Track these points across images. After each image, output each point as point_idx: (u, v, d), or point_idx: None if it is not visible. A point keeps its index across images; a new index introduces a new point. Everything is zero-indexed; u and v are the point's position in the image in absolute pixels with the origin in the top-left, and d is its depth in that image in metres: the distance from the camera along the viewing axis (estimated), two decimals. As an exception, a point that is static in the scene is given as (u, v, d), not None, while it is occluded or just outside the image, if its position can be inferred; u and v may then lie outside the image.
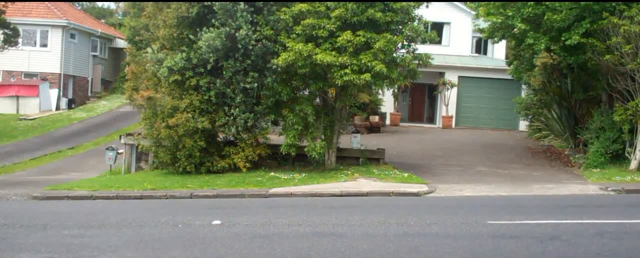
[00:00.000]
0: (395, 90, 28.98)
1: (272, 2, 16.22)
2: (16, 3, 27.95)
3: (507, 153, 21.91)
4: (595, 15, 17.04)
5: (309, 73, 15.86)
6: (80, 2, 49.26)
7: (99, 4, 56.62)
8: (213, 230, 8.96)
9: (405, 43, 16.58)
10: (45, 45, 34.68)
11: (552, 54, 19.60)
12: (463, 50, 31.89)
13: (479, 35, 28.16)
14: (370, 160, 18.00)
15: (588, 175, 16.32)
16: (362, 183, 14.78)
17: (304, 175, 15.86)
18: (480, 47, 33.73)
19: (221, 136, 17.58)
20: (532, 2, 17.58)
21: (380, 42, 15.15)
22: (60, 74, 34.66)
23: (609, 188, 14.05)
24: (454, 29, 31.86)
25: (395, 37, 15.94)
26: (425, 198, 13.21)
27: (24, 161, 24.02)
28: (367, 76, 15.08)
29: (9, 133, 29.10)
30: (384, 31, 15.67)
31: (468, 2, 31.31)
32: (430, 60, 16.80)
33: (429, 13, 18.65)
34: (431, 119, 32.46)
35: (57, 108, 34.49)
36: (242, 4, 15.78)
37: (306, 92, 17.57)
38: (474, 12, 28.80)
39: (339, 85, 15.61)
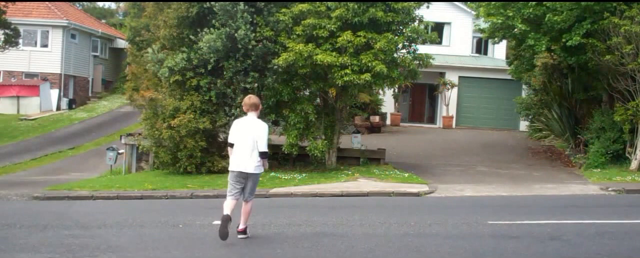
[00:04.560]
0: (396, 91, 28.99)
1: (272, 3, 16.22)
2: (17, 3, 27.95)
3: (508, 153, 21.91)
4: (596, 16, 17.03)
5: (310, 73, 15.87)
6: (81, 2, 49.27)
7: (100, 4, 56.65)
8: (214, 230, 8.94)
9: (405, 44, 16.59)
10: (45, 46, 34.68)
11: (552, 54, 19.60)
12: (463, 50, 31.89)
13: (479, 35, 28.14)
14: (371, 160, 18.00)
15: (588, 175, 16.31)
16: (363, 183, 14.78)
17: (304, 175, 15.86)
18: (481, 47, 33.72)
19: (222, 136, 17.59)
20: (533, 3, 17.56)
21: (381, 42, 15.15)
22: (60, 74, 34.67)
23: (610, 189, 14.03)
24: (454, 29, 31.85)
25: (397, 37, 15.95)
26: (425, 199, 13.21)
27: (24, 161, 24.03)
28: (367, 76, 15.09)
29: (9, 134, 29.12)
30: (385, 31, 15.67)
31: (469, 3, 31.30)
32: (430, 61, 16.81)
33: (429, 13, 18.65)
34: (432, 119, 32.45)
35: (58, 108, 34.51)
36: (242, 4, 15.78)
37: (307, 92, 17.58)
38: (474, 12, 28.80)
39: (340, 85, 15.61)
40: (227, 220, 7.70)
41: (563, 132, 21.29)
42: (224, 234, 7.68)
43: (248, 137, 7.95)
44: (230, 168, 8.08)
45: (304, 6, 15.58)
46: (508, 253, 7.39)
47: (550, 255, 7.31)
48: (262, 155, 7.97)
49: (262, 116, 16.88)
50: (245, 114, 8.26)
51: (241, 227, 8.16)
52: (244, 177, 7.98)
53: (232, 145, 8.09)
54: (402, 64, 16.30)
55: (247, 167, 7.94)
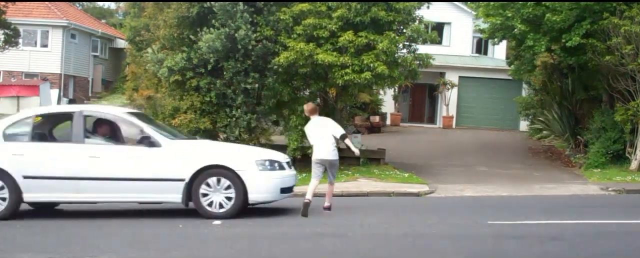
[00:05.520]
0: (396, 91, 28.99)
1: (272, 3, 16.21)
2: (17, 3, 27.91)
3: (508, 153, 21.90)
4: (595, 16, 17.01)
5: (310, 73, 15.86)
6: (81, 2, 49.22)
7: (100, 3, 56.60)
8: (213, 230, 8.95)
9: (406, 43, 16.59)
10: (45, 46, 34.64)
11: (552, 54, 19.60)
12: (464, 50, 31.87)
13: (479, 35, 28.15)
14: (371, 160, 17.96)
15: (589, 175, 16.31)
16: (363, 183, 14.77)
17: (304, 175, 15.82)
18: (481, 47, 33.71)
19: (222, 136, 17.57)
20: (532, 3, 17.54)
21: (384, 43, 15.12)
22: (60, 74, 34.64)
23: (610, 189, 14.04)
24: (454, 29, 31.84)
25: (398, 37, 15.95)
26: (425, 199, 13.21)
27: (24, 161, 23.98)
28: (367, 74, 15.08)
29: (9, 134, 29.06)
30: (386, 31, 15.65)
31: (468, 3, 31.30)
32: (431, 61, 16.81)
33: (429, 13, 18.65)
34: (432, 119, 32.45)
35: (58, 108, 34.46)
36: (241, 4, 15.77)
37: (307, 93, 17.57)
38: (474, 13, 28.81)
39: (340, 85, 15.61)
40: (307, 204, 9.55)
41: (563, 132, 21.29)
42: (305, 214, 9.55)
43: (323, 131, 9.95)
44: (313, 158, 9.97)
45: (304, 6, 15.56)
46: (508, 253, 7.38)
47: (551, 255, 7.31)
48: (343, 137, 9.94)
49: (262, 116, 17.04)
50: (308, 117, 10.42)
51: (326, 204, 10.04)
52: (323, 163, 9.87)
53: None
54: (402, 63, 16.29)
55: (326, 155, 9.85)
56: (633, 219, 9.81)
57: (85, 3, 50.84)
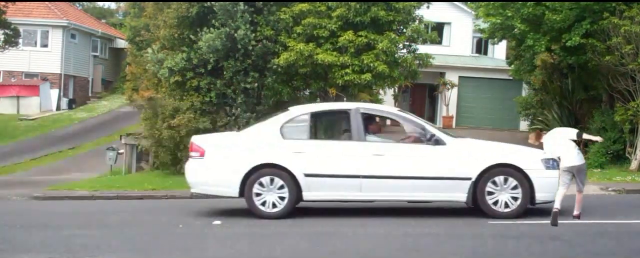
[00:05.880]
0: (396, 91, 28.98)
1: (272, 3, 16.23)
2: (17, 3, 27.93)
3: (508, 153, 21.82)
4: (595, 16, 17.01)
5: (310, 73, 15.87)
6: (81, 2, 49.23)
7: (100, 3, 56.61)
8: (213, 230, 8.96)
9: (406, 43, 16.61)
10: (45, 46, 34.68)
11: (552, 53, 19.59)
12: (463, 50, 31.84)
13: (479, 35, 28.14)
14: (371, 160, 17.92)
15: (589, 175, 16.23)
16: (363, 183, 14.72)
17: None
18: (481, 47, 33.68)
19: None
20: (532, 3, 17.54)
21: (384, 42, 15.13)
22: (60, 74, 34.67)
23: (610, 189, 14.02)
24: (454, 29, 31.82)
25: (398, 37, 15.97)
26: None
27: (24, 161, 24.04)
28: (367, 76, 15.10)
29: (9, 134, 29.12)
30: (386, 31, 15.66)
31: (468, 3, 31.30)
32: (430, 61, 16.82)
33: (429, 13, 18.64)
34: (432, 119, 32.38)
35: (58, 108, 34.51)
36: (241, 4, 15.78)
37: (307, 92, 17.58)
38: (474, 13, 28.80)
39: (340, 85, 15.61)
40: (557, 213, 8.92)
41: (563, 132, 21.21)
42: (554, 223, 8.91)
43: (561, 140, 9.45)
44: (560, 166, 9.43)
45: (304, 6, 15.58)
46: (508, 253, 7.39)
47: (550, 255, 7.31)
48: (579, 135, 9.50)
49: (262, 115, 17.02)
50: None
51: (576, 212, 9.51)
52: (571, 170, 9.35)
53: (559, 157, 9.52)
54: (402, 63, 16.31)
55: (572, 161, 9.32)
56: (633, 219, 9.81)
57: (85, 3, 50.86)
